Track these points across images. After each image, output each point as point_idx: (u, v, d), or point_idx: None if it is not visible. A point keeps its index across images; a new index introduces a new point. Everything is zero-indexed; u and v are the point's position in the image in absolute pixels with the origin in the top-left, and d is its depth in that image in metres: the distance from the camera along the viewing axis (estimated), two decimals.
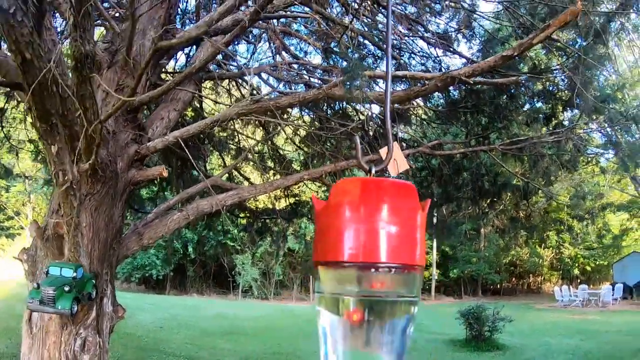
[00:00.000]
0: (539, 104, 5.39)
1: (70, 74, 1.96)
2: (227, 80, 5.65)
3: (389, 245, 0.48)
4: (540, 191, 5.55)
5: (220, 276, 26.66)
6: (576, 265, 26.83)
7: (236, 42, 5.90)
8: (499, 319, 10.39)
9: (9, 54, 1.71)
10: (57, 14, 3.71)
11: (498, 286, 29.30)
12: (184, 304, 17.77)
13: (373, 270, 0.48)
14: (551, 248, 27.68)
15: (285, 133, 6.70)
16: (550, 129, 5.11)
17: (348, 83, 2.86)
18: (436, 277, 27.62)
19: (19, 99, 4.78)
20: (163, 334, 10.45)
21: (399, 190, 0.49)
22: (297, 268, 27.63)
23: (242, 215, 7.23)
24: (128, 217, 7.53)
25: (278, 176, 6.87)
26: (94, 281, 2.39)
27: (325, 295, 0.51)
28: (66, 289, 1.96)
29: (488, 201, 5.76)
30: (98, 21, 3.36)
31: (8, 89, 3.81)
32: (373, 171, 0.53)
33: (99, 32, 4.51)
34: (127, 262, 22.04)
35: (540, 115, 5.22)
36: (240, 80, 5.71)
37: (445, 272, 28.39)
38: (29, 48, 1.56)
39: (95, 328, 2.94)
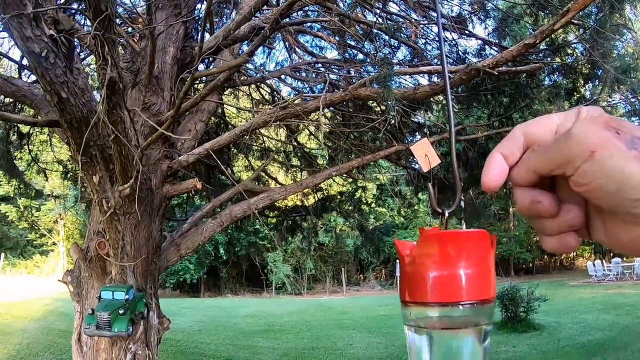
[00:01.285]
0: (559, 79, 5.29)
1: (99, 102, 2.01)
2: (248, 86, 5.68)
3: (467, 286, 0.52)
4: None
5: (253, 275, 26.91)
6: None
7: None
8: (533, 299, 10.25)
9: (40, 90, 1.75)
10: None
11: (530, 265, 28.89)
12: (219, 305, 18.02)
13: (455, 306, 0.53)
14: None
15: (308, 130, 6.72)
16: (573, 103, 5.01)
17: (383, 84, 2.86)
18: None
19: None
20: (202, 337, 10.63)
21: (474, 238, 0.52)
22: (328, 261, 27.75)
23: (271, 214, 7.30)
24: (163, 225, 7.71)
25: (304, 173, 6.91)
26: (144, 300, 2.45)
27: (412, 324, 0.57)
28: (121, 311, 2.01)
29: None
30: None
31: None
32: (446, 214, 0.55)
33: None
34: None
35: (562, 90, 5.12)
36: (259, 83, 5.74)
37: None
38: (64, 87, 1.60)
39: (144, 342, 3.02)
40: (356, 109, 5.78)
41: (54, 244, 25.81)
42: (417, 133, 5.95)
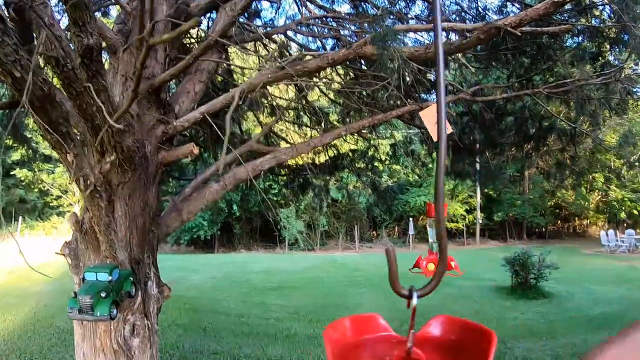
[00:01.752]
0: (584, 42, 4.96)
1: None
2: (254, 42, 5.43)
3: None
4: (587, 135, 5.20)
5: (266, 231, 27.16)
6: (623, 208, 25.63)
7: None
8: (544, 266, 10.12)
9: None
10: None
11: (543, 229, 28.54)
12: (233, 261, 18.23)
13: None
14: (597, 191, 26.61)
15: (318, 89, 6.50)
16: (597, 69, 4.70)
17: (380, 42, 2.62)
18: (480, 221, 27.23)
19: None
20: (215, 293, 10.77)
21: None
22: (341, 218, 27.84)
23: (282, 172, 7.20)
24: (170, 185, 7.63)
25: (315, 132, 6.73)
26: (131, 279, 2.35)
27: None
28: (103, 295, 1.91)
29: (533, 145, 5.45)
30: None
31: None
32: (414, 300, 0.42)
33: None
34: None
35: (586, 54, 4.81)
36: (267, 40, 5.48)
37: (489, 216, 27.84)
38: (16, 66, 1.43)
39: (142, 312, 2.96)
40: (369, 67, 5.53)
41: (70, 204, 26.16)
42: (432, 92, 5.69)
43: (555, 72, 4.85)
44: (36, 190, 24.86)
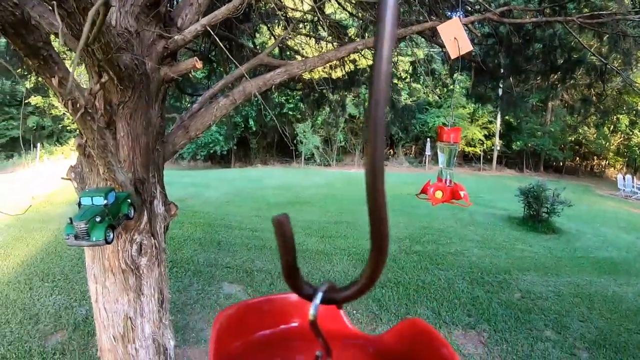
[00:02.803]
0: None
1: None
2: None
3: None
4: (617, 74, 4.87)
5: (283, 145, 27.23)
6: None
7: None
8: (558, 202, 10.02)
9: None
10: None
11: (560, 164, 28.04)
12: (248, 176, 18.42)
13: None
14: (620, 133, 25.66)
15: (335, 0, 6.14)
16: (637, 4, 4.31)
17: None
18: (499, 148, 26.83)
19: None
20: (229, 208, 10.96)
21: None
22: (358, 134, 27.68)
23: (298, 87, 7.02)
24: (184, 102, 7.51)
25: (331, 47, 6.45)
26: (129, 201, 2.31)
27: None
28: (97, 219, 1.88)
29: (559, 76, 5.16)
30: None
31: None
32: (317, 301, 0.31)
33: None
34: (190, 142, 23.05)
35: None
36: None
37: (508, 143, 27.36)
38: None
39: (149, 231, 2.98)
40: None
41: (79, 136, 26.13)
42: (457, 10, 5.33)
43: (591, 2, 4.48)
44: (52, 114, 24.92)
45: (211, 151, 25.50)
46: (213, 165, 26.30)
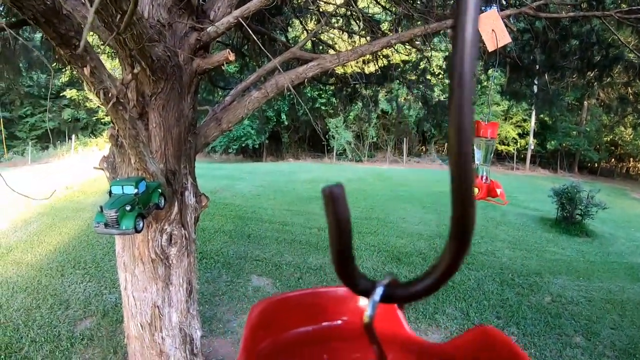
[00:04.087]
0: None
1: None
2: None
3: None
4: None
5: (315, 140, 27.22)
6: None
7: None
8: (592, 204, 9.68)
9: None
10: None
11: (595, 165, 27.14)
12: (279, 170, 18.51)
13: None
14: None
15: None
16: None
17: None
18: (532, 147, 26.15)
19: None
20: (260, 202, 11.03)
21: None
22: (390, 130, 27.45)
23: (330, 81, 7.00)
24: (217, 95, 7.57)
25: (364, 41, 6.40)
26: (160, 190, 2.33)
27: None
28: (127, 208, 1.90)
29: (596, 73, 4.99)
30: None
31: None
32: (376, 297, 0.26)
33: None
34: (222, 136, 23.31)
35: None
36: None
37: (542, 143, 26.59)
38: None
39: (179, 222, 3.01)
40: None
41: (112, 127, 26.71)
42: (492, 4, 5.21)
43: None
44: (86, 107, 25.65)
45: (243, 145, 25.70)
46: (245, 159, 26.52)
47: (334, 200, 0.27)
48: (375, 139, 27.58)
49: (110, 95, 1.67)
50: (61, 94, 24.70)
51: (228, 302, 5.37)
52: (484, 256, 7.62)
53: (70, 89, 23.93)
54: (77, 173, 13.68)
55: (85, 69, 1.56)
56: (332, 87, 7.19)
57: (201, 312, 4.08)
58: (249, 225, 8.56)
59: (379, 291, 0.28)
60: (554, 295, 6.15)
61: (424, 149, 28.94)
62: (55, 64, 4.82)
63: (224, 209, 9.64)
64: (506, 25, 4.13)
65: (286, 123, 24.86)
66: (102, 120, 26.53)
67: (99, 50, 5.86)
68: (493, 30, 2.67)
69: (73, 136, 24.65)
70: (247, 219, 9.07)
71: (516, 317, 5.41)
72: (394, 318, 0.49)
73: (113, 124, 2.06)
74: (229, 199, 10.96)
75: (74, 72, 5.95)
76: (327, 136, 25.61)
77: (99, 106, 24.96)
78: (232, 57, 2.87)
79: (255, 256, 6.88)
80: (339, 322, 0.50)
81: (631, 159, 27.71)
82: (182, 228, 3.04)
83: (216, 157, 26.64)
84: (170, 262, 2.96)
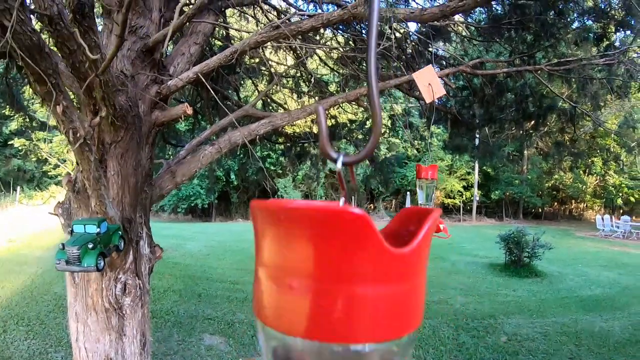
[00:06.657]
0: (589, 22, 4.92)
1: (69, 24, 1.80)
2: (252, 7, 5.33)
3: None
4: (587, 116, 5.20)
5: None
6: (620, 194, 25.52)
7: None
8: (538, 245, 10.19)
9: None
10: None
11: (540, 210, 28.75)
12: (229, 229, 18.31)
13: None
14: (595, 175, 26.55)
15: (317, 56, 6.43)
16: (601, 50, 4.68)
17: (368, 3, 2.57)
18: (478, 198, 27.32)
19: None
20: (210, 261, 10.84)
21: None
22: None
23: (280, 140, 7.18)
24: (168, 153, 7.62)
25: (313, 101, 6.69)
26: (120, 233, 2.36)
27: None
28: (90, 246, 1.92)
29: (532, 123, 5.45)
30: None
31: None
32: (339, 164, 0.38)
33: None
34: (172, 194, 22.86)
35: (591, 34, 4.78)
36: (266, 6, 5.39)
37: (487, 193, 27.93)
38: (5, 15, 1.40)
39: (134, 271, 2.99)
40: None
41: (69, 174, 25.91)
42: (433, 65, 5.66)
43: (558, 51, 4.82)
44: (34, 159, 24.71)
45: (192, 204, 25.36)
46: (194, 219, 26.09)
47: (319, 113, 0.41)
48: (324, 198, 27.91)
49: (78, 135, 1.74)
50: (9, 142, 23.63)
51: None
52: (437, 305, 7.75)
53: (19, 138, 22.89)
54: (22, 225, 13.06)
55: (58, 107, 1.64)
56: (281, 147, 7.37)
57: None
58: (199, 285, 8.38)
59: (340, 157, 0.40)
60: (509, 334, 6.32)
61: (372, 207, 29.48)
62: (3, 110, 4.76)
63: (173, 268, 9.41)
64: (445, 84, 4.51)
65: (235, 183, 24.84)
66: (49, 174, 25.60)
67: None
68: (429, 84, 2.95)
69: (18, 188, 23.58)
70: (197, 278, 8.88)
71: (474, 359, 5.51)
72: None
73: (78, 164, 2.10)
74: (179, 258, 10.71)
75: (24, 120, 5.87)
76: (276, 196, 25.70)
77: (47, 158, 24.14)
78: (189, 110, 3.00)
79: (207, 315, 6.72)
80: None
81: (573, 201, 29.29)
82: (137, 278, 3.01)
83: (164, 217, 26.05)
84: (124, 312, 2.91)
